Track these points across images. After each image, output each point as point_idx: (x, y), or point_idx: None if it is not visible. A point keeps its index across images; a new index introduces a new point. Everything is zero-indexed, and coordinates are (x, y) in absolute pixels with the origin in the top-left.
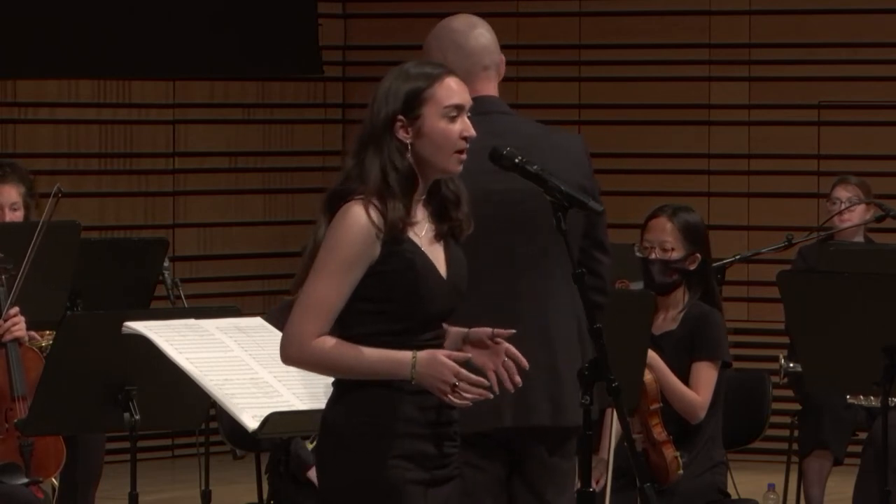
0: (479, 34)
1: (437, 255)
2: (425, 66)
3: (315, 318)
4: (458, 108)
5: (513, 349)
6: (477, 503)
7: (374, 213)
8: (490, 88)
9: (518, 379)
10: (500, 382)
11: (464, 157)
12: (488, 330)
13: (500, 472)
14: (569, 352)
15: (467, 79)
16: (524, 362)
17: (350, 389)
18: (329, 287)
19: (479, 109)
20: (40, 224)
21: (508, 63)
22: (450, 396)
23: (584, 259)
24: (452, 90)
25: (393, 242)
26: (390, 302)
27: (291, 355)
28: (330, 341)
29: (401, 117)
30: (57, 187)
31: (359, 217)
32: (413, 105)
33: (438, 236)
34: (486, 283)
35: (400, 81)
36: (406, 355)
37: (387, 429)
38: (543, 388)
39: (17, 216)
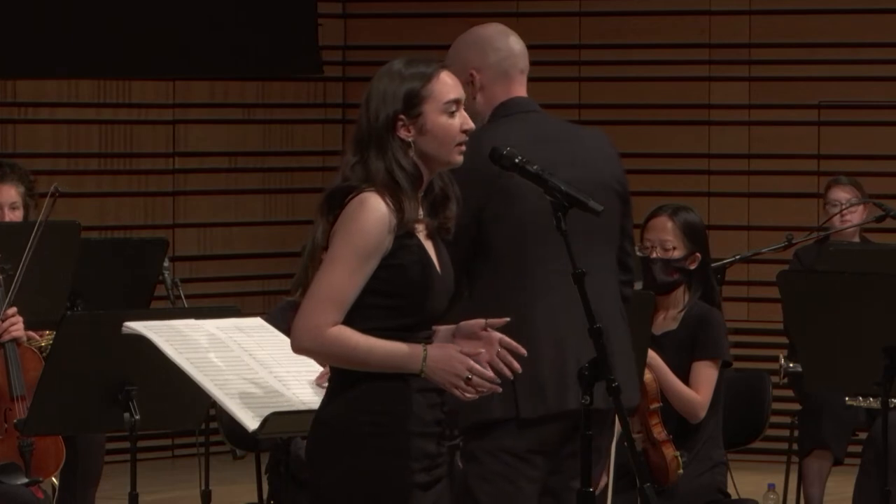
0: (516, 40)
1: (431, 253)
2: (419, 65)
3: (331, 307)
4: (457, 103)
5: (507, 339)
6: (520, 492)
7: (391, 203)
8: (523, 91)
9: (517, 365)
10: (498, 373)
11: (464, 148)
12: (481, 321)
13: (545, 462)
14: (621, 334)
15: (504, 79)
16: (521, 350)
17: (351, 384)
18: (345, 276)
19: (521, 108)
20: (37, 224)
21: None
22: (460, 391)
23: (618, 252)
24: (449, 85)
25: (403, 237)
26: (398, 296)
27: (305, 345)
28: (345, 331)
29: (402, 117)
30: (54, 187)
31: (378, 206)
32: (413, 104)
33: (430, 234)
34: (528, 274)
35: (396, 82)
36: (417, 348)
37: (397, 427)
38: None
39: (16, 216)
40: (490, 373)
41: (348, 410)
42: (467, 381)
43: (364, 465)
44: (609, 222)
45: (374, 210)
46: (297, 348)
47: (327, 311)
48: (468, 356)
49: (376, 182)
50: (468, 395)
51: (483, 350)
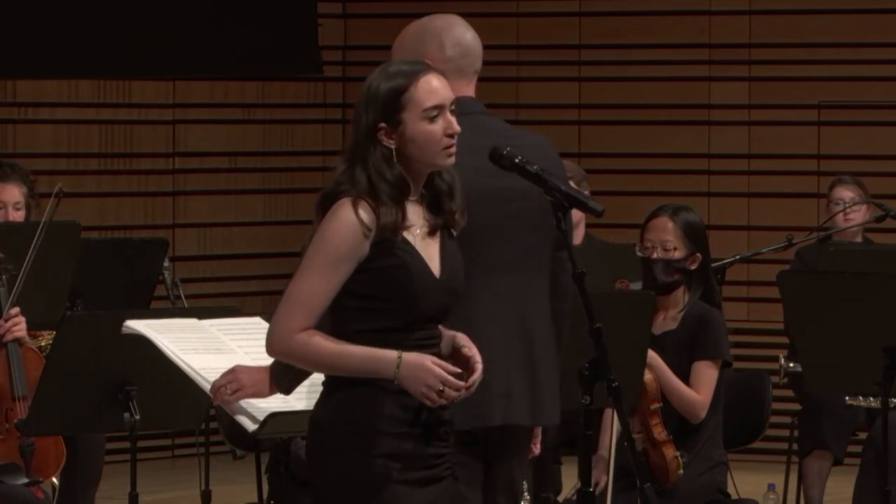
0: (475, 38)
1: (431, 253)
2: (403, 65)
3: (300, 312)
4: (439, 108)
5: (478, 369)
6: (462, 499)
7: (363, 212)
8: (472, 91)
9: (466, 394)
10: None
11: (453, 150)
12: (466, 344)
13: (481, 468)
14: (548, 351)
15: (457, 76)
16: (477, 381)
17: (337, 388)
18: (315, 282)
19: (463, 110)
20: (41, 224)
21: (508, 63)
22: (430, 400)
23: (553, 265)
24: (431, 90)
25: (384, 242)
26: (380, 299)
27: (275, 348)
28: (314, 336)
29: (382, 125)
30: (59, 187)
31: (346, 215)
32: (393, 110)
33: (433, 231)
34: (473, 282)
35: (380, 80)
36: (391, 355)
37: (369, 427)
38: (525, 388)
39: (19, 216)
40: (461, 383)
41: (333, 412)
42: (440, 392)
43: (349, 465)
44: (546, 237)
45: (343, 219)
46: (270, 352)
47: (295, 317)
48: (447, 372)
49: (359, 188)
50: (435, 402)
51: (460, 370)
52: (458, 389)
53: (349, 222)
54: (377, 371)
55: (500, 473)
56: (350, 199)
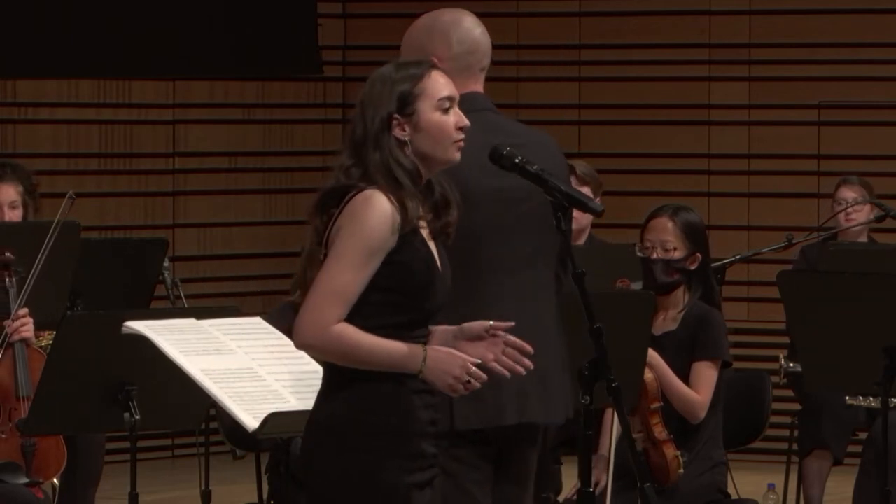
0: (484, 34)
1: (434, 250)
2: (409, 67)
3: (336, 303)
4: (451, 100)
5: (512, 338)
6: (472, 500)
7: (396, 202)
8: (480, 88)
9: (528, 362)
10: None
11: (462, 145)
12: (485, 323)
13: (491, 468)
14: (557, 350)
15: (465, 73)
16: (528, 347)
17: (347, 386)
18: (349, 274)
19: (473, 106)
20: (53, 225)
21: (508, 63)
22: (456, 391)
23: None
24: (441, 83)
25: (407, 234)
26: (398, 293)
27: (309, 341)
28: (349, 328)
29: (396, 116)
30: (71, 193)
31: (383, 204)
32: (407, 102)
33: (433, 234)
34: (478, 282)
35: (388, 86)
36: (417, 348)
37: (395, 428)
38: (535, 387)
39: (15, 215)
40: (485, 376)
41: (347, 411)
42: (466, 383)
43: (362, 465)
44: (551, 236)
45: (379, 207)
46: (300, 344)
47: (332, 308)
48: (469, 359)
49: (377, 181)
50: (459, 393)
51: (491, 355)
52: (480, 379)
53: (386, 212)
54: (406, 365)
55: (513, 472)
56: (378, 189)
